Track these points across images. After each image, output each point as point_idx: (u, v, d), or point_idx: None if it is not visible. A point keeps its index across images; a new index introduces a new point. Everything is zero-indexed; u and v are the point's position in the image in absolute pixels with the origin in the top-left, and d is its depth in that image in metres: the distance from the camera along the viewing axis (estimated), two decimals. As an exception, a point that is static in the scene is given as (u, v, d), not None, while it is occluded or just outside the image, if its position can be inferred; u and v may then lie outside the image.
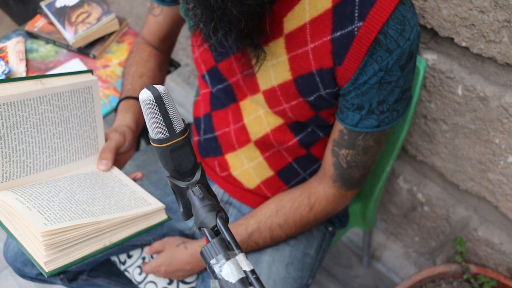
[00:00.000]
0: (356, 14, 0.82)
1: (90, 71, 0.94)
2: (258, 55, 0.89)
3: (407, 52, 0.84)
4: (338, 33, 0.84)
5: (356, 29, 0.82)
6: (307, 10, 0.85)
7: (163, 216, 0.93)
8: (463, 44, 1.09)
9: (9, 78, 1.05)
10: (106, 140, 0.99)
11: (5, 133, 0.81)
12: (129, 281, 1.26)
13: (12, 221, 0.79)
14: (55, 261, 0.77)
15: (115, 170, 0.97)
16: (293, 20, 0.87)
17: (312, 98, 0.93)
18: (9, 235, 0.78)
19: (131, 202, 0.89)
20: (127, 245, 1.19)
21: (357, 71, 0.85)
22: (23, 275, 1.16)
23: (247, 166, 1.11)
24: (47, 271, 0.76)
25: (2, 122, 0.80)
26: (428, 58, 1.18)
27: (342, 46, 0.84)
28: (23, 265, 1.13)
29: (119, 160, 1.02)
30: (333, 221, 1.23)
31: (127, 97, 1.12)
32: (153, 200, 0.92)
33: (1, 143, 0.81)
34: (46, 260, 0.76)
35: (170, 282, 1.20)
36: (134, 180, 0.98)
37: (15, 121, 0.82)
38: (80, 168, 0.94)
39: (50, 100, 0.86)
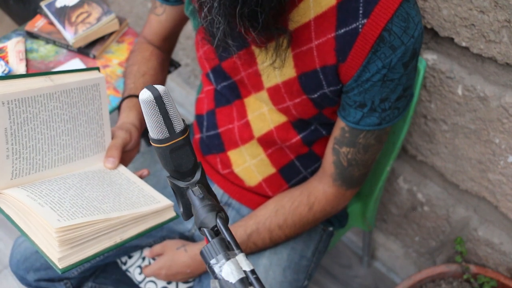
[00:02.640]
0: (361, 11, 0.82)
1: (97, 68, 0.94)
2: (281, 41, 0.86)
3: (410, 50, 0.84)
4: (342, 30, 0.84)
5: (360, 26, 0.82)
6: (311, 7, 0.85)
7: (171, 214, 0.92)
8: (463, 44, 1.09)
9: (19, 74, 1.03)
10: (112, 138, 0.99)
11: (16, 130, 0.80)
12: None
13: (24, 218, 0.78)
14: (68, 258, 0.77)
15: (122, 168, 0.97)
16: (298, 17, 0.87)
17: (315, 95, 0.93)
18: (21, 232, 0.78)
19: (140, 200, 0.89)
20: (128, 247, 1.19)
21: (361, 68, 0.85)
22: (26, 282, 1.15)
23: (250, 163, 1.11)
24: (60, 267, 0.76)
25: (14, 118, 0.80)
26: (428, 58, 1.18)
27: (346, 43, 0.84)
28: (26, 272, 1.13)
29: (124, 158, 1.01)
30: (332, 221, 1.23)
31: (130, 96, 1.12)
32: (161, 198, 0.92)
33: (12, 139, 0.80)
34: (60, 256, 0.75)
35: (170, 282, 1.20)
36: (141, 177, 0.98)
37: (26, 117, 0.81)
38: (87, 165, 0.94)
39: (59, 97, 0.85)
